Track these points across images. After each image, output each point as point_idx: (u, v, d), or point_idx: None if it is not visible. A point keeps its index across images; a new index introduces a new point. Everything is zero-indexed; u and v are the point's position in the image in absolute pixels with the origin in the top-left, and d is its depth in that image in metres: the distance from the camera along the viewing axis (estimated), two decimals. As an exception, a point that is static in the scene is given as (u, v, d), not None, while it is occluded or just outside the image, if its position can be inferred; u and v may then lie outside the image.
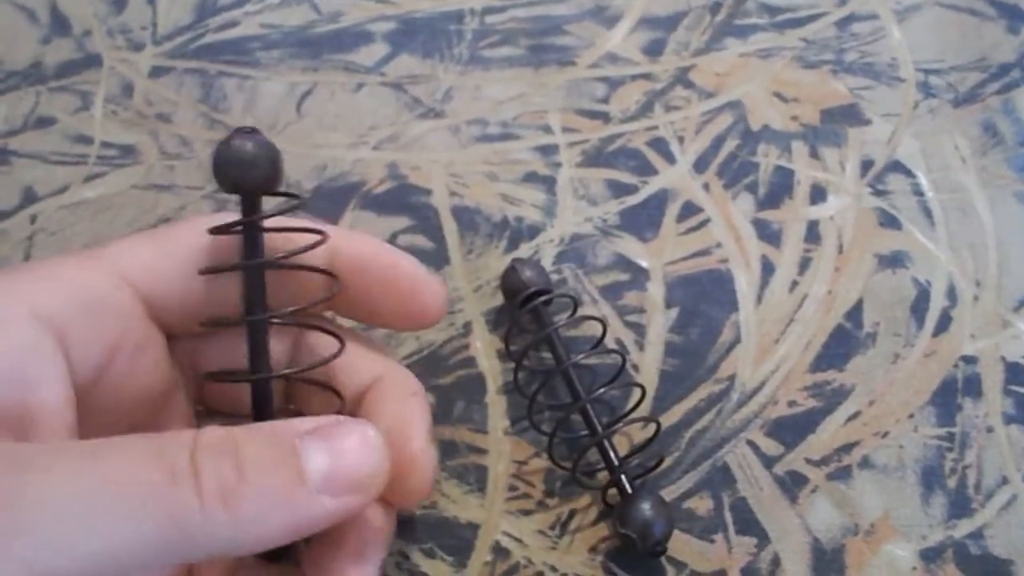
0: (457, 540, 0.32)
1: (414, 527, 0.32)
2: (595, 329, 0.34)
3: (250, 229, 0.26)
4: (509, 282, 0.34)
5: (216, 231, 0.26)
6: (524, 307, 0.34)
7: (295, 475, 0.22)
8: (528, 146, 0.39)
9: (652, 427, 0.32)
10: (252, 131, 0.25)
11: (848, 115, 0.39)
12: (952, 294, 0.35)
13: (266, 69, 0.41)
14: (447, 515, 0.32)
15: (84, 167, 0.39)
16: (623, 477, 0.31)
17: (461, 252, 0.37)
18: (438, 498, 0.32)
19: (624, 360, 0.33)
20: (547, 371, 0.34)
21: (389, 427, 0.27)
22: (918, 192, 0.38)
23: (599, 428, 0.32)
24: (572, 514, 0.32)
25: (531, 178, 0.38)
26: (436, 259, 0.37)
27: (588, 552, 0.31)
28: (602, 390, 0.32)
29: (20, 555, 0.20)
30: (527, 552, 0.32)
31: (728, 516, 0.32)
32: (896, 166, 0.38)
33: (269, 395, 0.27)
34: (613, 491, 0.31)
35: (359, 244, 0.29)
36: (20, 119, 0.41)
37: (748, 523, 0.32)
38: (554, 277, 0.36)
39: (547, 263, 0.37)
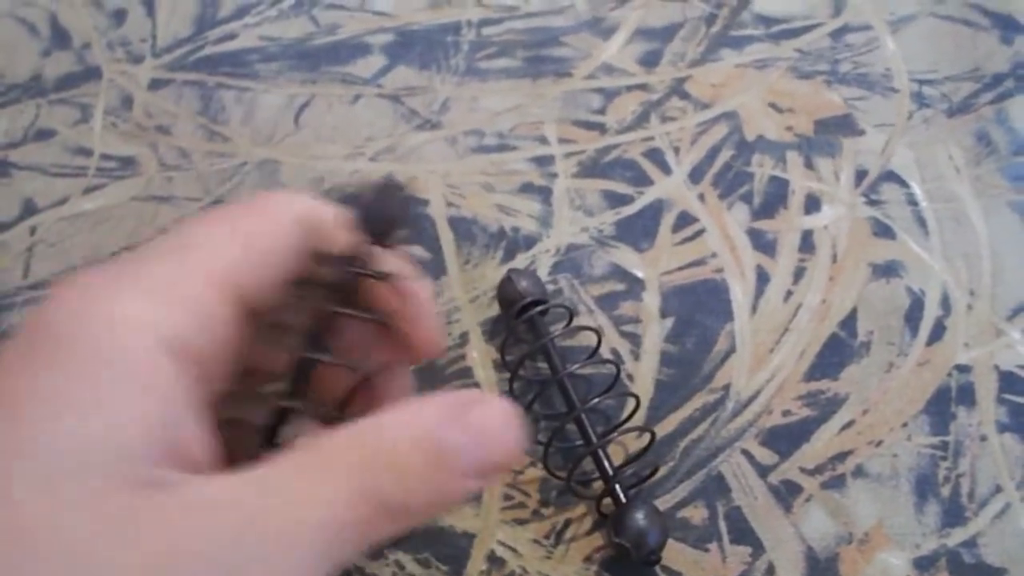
0: (453, 549, 0.32)
1: (410, 537, 0.32)
2: (591, 339, 0.34)
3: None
4: (505, 292, 0.35)
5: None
6: (520, 317, 0.34)
7: (450, 473, 0.23)
8: (524, 157, 0.39)
9: (647, 437, 0.33)
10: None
11: (842, 125, 0.40)
12: (946, 303, 0.36)
13: (264, 81, 0.42)
14: (443, 524, 0.32)
15: (84, 179, 0.40)
16: (617, 487, 0.31)
17: (458, 262, 0.37)
18: (434, 508, 0.33)
19: (619, 370, 0.34)
20: (542, 381, 0.34)
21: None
22: (912, 202, 0.38)
23: (594, 438, 0.32)
24: (567, 523, 0.32)
25: (527, 189, 0.39)
26: (433, 269, 0.37)
27: (583, 561, 0.32)
28: (596, 400, 0.32)
29: None
30: (522, 561, 0.32)
31: (723, 525, 0.32)
32: (890, 176, 0.38)
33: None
34: (608, 501, 0.31)
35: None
36: (20, 131, 0.41)
37: (743, 532, 0.32)
38: (550, 287, 0.36)
39: (543, 273, 0.37)
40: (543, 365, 0.34)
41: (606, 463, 0.32)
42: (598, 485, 0.32)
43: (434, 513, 0.23)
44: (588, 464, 0.32)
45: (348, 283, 0.25)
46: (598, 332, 0.34)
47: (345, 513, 0.21)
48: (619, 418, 0.33)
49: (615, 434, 0.32)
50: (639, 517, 0.30)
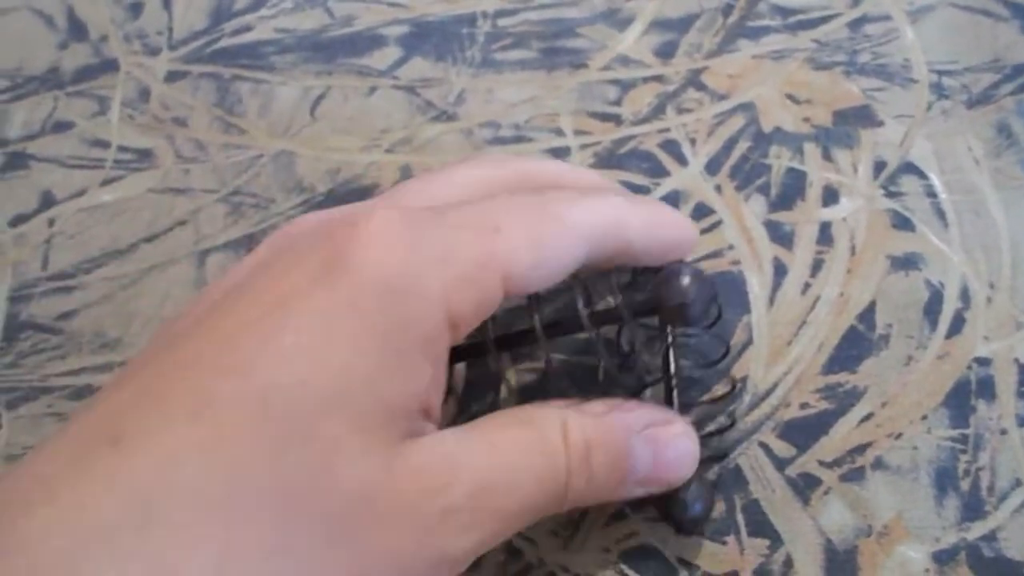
0: (470, 541, 0.32)
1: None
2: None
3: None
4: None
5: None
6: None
7: (622, 477, 0.27)
8: (540, 148, 0.39)
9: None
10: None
11: (861, 116, 0.39)
12: (965, 296, 0.35)
13: (280, 73, 0.42)
14: (460, 516, 0.32)
15: (101, 171, 0.40)
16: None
17: (474, 254, 0.37)
18: (451, 499, 0.33)
19: (720, 311, 0.33)
20: (655, 380, 0.33)
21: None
22: (931, 194, 0.37)
23: (673, 369, 0.32)
24: (584, 514, 0.32)
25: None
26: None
27: (600, 552, 0.32)
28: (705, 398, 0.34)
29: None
30: (539, 552, 0.32)
31: (740, 518, 0.32)
32: (909, 168, 0.38)
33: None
34: None
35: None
36: (38, 124, 0.41)
37: (760, 525, 0.32)
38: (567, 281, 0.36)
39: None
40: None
41: (676, 403, 0.31)
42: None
43: (583, 505, 0.27)
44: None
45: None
46: (727, 346, 0.34)
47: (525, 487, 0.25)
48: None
49: (699, 401, 0.34)
50: (697, 482, 0.30)
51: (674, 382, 0.32)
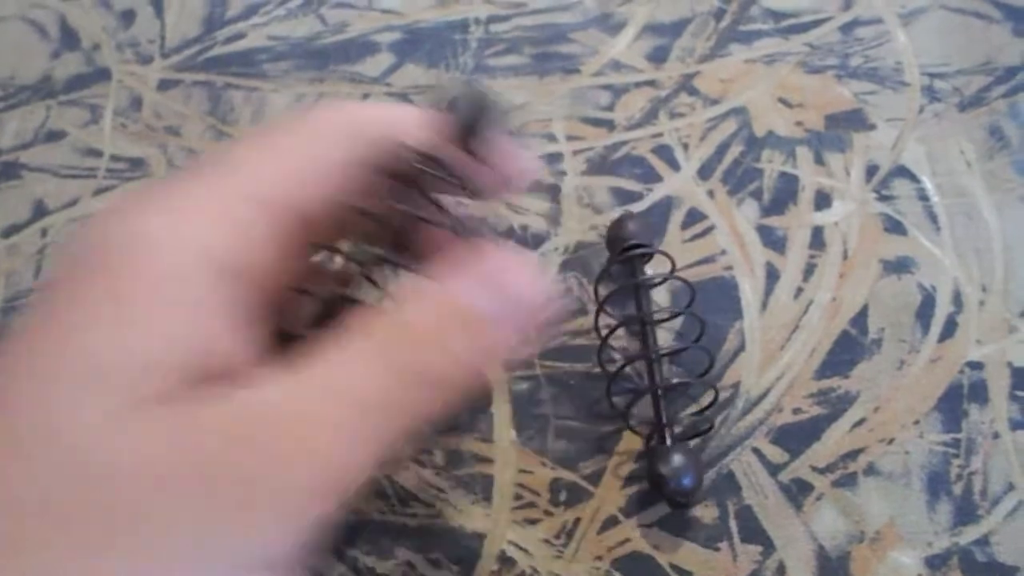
0: (463, 549, 0.32)
1: (421, 537, 0.32)
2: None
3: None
4: (614, 232, 0.35)
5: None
6: (620, 256, 0.34)
7: (481, 328, 0.22)
8: (533, 155, 0.39)
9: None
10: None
11: (853, 120, 0.39)
12: (958, 299, 0.35)
13: (273, 80, 0.42)
14: (453, 524, 0.32)
15: (94, 180, 0.40)
16: (668, 429, 0.32)
17: (466, 261, 0.37)
18: (444, 508, 0.33)
19: (703, 327, 0.34)
20: (626, 319, 0.35)
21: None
22: (923, 197, 0.37)
23: (659, 380, 0.33)
24: (577, 522, 0.32)
25: (536, 186, 0.39)
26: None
27: (593, 560, 0.32)
28: (672, 349, 0.34)
29: (301, 482, 0.20)
30: (532, 561, 0.32)
31: (733, 524, 0.32)
32: (901, 171, 0.38)
33: None
34: (656, 443, 0.32)
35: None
36: (31, 133, 0.41)
37: (753, 531, 0.32)
38: (559, 286, 0.36)
39: (552, 272, 0.37)
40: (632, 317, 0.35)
41: (663, 406, 0.32)
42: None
43: (472, 382, 0.22)
44: (647, 413, 0.33)
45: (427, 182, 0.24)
46: (692, 287, 0.34)
47: (377, 393, 0.21)
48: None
49: (681, 383, 0.34)
50: (684, 456, 0.31)
51: (660, 392, 0.32)
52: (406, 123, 0.25)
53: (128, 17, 0.44)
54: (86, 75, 0.42)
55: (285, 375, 0.21)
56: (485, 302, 0.23)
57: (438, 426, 0.27)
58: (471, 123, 0.24)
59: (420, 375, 0.22)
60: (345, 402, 0.21)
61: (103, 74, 0.42)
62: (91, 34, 0.44)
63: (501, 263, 0.23)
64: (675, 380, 0.34)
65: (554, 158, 0.39)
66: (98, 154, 0.40)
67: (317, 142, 0.25)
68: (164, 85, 0.42)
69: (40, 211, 0.39)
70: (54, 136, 0.41)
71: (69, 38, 0.44)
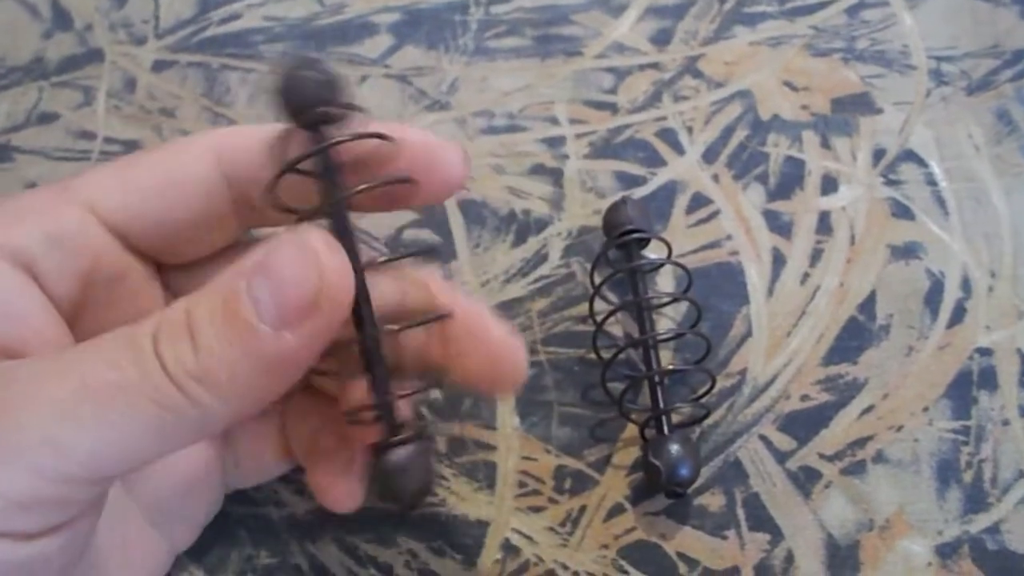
0: (466, 537, 0.32)
1: (423, 525, 0.32)
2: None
3: (326, 159, 0.24)
4: (611, 216, 0.35)
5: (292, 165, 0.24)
6: (617, 241, 0.34)
7: (246, 325, 0.21)
8: (535, 138, 0.39)
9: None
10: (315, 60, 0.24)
11: (859, 104, 0.39)
12: (966, 285, 0.35)
13: (269, 62, 0.41)
14: (456, 513, 0.32)
15: (87, 163, 0.39)
16: (664, 418, 0.31)
17: (468, 246, 0.37)
18: (447, 496, 0.32)
19: (700, 313, 0.33)
20: (623, 304, 0.34)
21: (463, 325, 0.26)
22: (931, 182, 0.37)
23: (655, 366, 0.32)
24: (582, 510, 0.32)
25: (538, 170, 0.38)
26: (443, 253, 0.36)
27: (599, 549, 0.31)
28: (670, 334, 0.34)
29: (26, 461, 0.20)
30: (537, 549, 0.31)
31: (741, 512, 0.32)
32: (909, 155, 0.38)
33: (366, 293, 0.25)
34: (652, 432, 0.32)
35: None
36: (23, 115, 0.40)
37: (761, 519, 0.31)
38: (562, 271, 0.36)
39: (555, 257, 0.36)
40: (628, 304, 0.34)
41: (660, 394, 0.32)
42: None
43: (254, 377, 0.22)
44: (643, 401, 0.33)
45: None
46: (689, 272, 0.34)
47: (107, 376, 0.21)
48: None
49: (678, 369, 0.33)
50: (680, 445, 0.30)
51: (657, 379, 0.32)
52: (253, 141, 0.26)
53: (121, -3, 0.43)
54: (79, 56, 0.42)
55: (50, 354, 0.23)
56: (246, 286, 0.21)
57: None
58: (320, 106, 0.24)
59: (166, 363, 0.21)
60: (69, 382, 0.21)
61: (96, 55, 0.42)
62: (84, 14, 0.43)
63: (273, 245, 0.22)
64: (670, 367, 0.33)
65: (557, 142, 0.39)
66: (92, 136, 0.40)
67: (176, 158, 0.26)
68: (158, 66, 0.41)
69: (32, 194, 0.38)
70: (47, 118, 0.40)
71: (61, 18, 0.43)
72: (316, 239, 0.22)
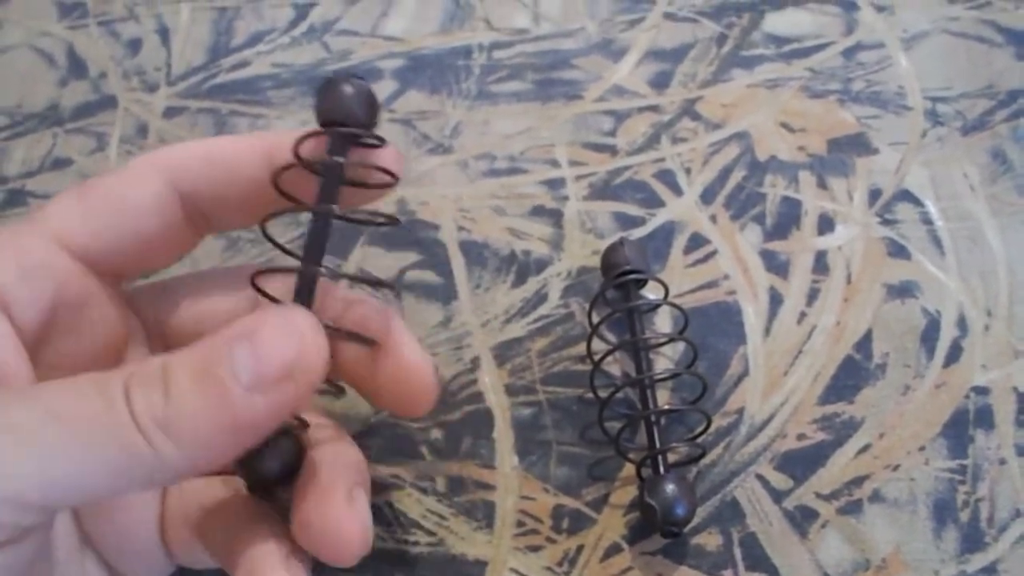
0: (465, 577, 0.32)
1: (422, 564, 0.32)
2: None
3: (331, 169, 0.27)
4: (609, 257, 0.35)
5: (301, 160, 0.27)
6: (615, 282, 0.34)
7: (221, 383, 0.22)
8: (535, 180, 0.39)
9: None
10: (356, 76, 0.27)
11: (855, 144, 0.39)
12: (963, 324, 0.35)
13: (277, 108, 0.42)
14: (455, 552, 0.32)
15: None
16: (660, 457, 0.32)
17: (469, 287, 0.37)
18: (445, 535, 0.33)
19: (696, 353, 0.34)
20: (620, 344, 0.34)
21: (378, 344, 0.28)
22: (927, 221, 0.37)
23: (652, 406, 0.32)
24: (580, 550, 0.32)
25: (538, 212, 0.39)
26: (444, 294, 0.37)
27: (596, 589, 0.31)
28: (667, 374, 0.34)
29: None
30: (535, 589, 0.32)
31: (737, 552, 0.32)
32: (904, 195, 0.38)
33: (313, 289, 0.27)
34: (648, 471, 0.32)
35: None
36: (37, 161, 0.41)
37: (758, 559, 0.32)
38: (561, 311, 0.36)
39: (554, 297, 0.37)
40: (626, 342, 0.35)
41: (656, 433, 0.32)
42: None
43: (216, 433, 0.22)
44: (640, 440, 0.33)
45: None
46: (685, 313, 0.34)
47: (77, 411, 0.22)
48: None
49: (674, 410, 0.33)
50: (675, 485, 0.31)
51: (653, 419, 0.32)
52: (227, 150, 0.28)
53: (135, 46, 0.44)
54: (93, 103, 0.43)
55: (23, 389, 0.24)
56: (224, 347, 0.23)
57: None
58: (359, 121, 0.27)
59: (135, 407, 0.22)
60: (33, 409, 0.22)
61: (110, 102, 0.43)
62: (99, 62, 0.44)
63: (262, 318, 0.23)
64: (666, 407, 0.33)
65: (557, 183, 0.39)
66: (103, 181, 0.41)
67: (128, 180, 0.28)
68: (170, 112, 0.42)
69: (45, 238, 0.39)
70: (60, 164, 0.41)
71: (77, 66, 0.44)
72: (303, 320, 0.24)
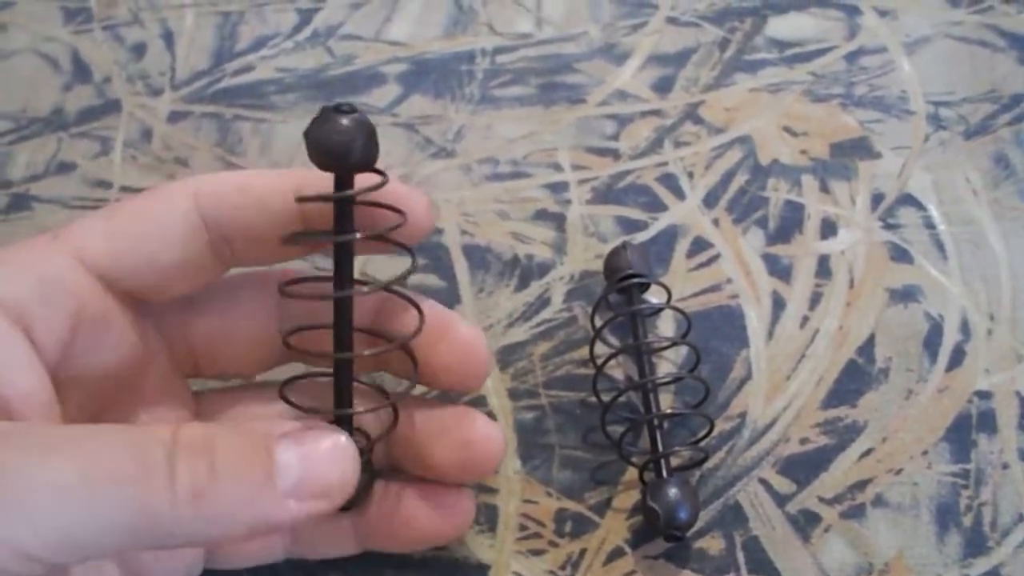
0: (468, 581, 0.32)
1: (425, 568, 0.32)
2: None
3: (342, 203, 0.27)
4: (611, 261, 0.35)
5: (304, 199, 0.27)
6: (618, 286, 0.34)
7: (266, 478, 0.23)
8: (538, 184, 0.40)
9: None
10: (349, 108, 0.26)
11: (858, 148, 0.39)
12: (965, 328, 0.35)
13: (281, 112, 0.42)
14: (457, 556, 0.32)
15: (103, 211, 0.40)
16: (663, 461, 0.32)
17: (472, 291, 0.37)
18: (448, 539, 0.33)
19: (699, 357, 0.34)
20: (623, 348, 0.34)
21: (429, 324, 0.29)
22: (930, 225, 0.37)
23: (654, 410, 0.32)
24: (582, 554, 0.32)
25: (541, 216, 0.39)
26: (447, 298, 0.37)
27: (599, 592, 0.31)
28: (669, 377, 0.34)
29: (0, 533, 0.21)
30: (538, 593, 0.32)
31: (740, 556, 0.32)
32: (907, 199, 0.38)
33: (349, 317, 0.28)
34: (651, 475, 0.32)
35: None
36: (41, 165, 0.42)
37: (761, 563, 0.32)
38: (564, 315, 0.36)
39: (557, 301, 0.37)
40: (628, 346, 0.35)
41: (659, 437, 0.32)
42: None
43: (239, 521, 0.23)
44: (643, 444, 0.33)
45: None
46: (687, 317, 0.34)
47: (107, 466, 0.22)
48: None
49: (677, 413, 0.34)
50: (679, 489, 0.31)
51: (656, 422, 0.32)
52: (260, 182, 0.28)
53: (139, 50, 0.45)
54: (97, 107, 0.43)
55: (46, 423, 0.24)
56: (283, 454, 0.24)
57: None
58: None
59: (177, 475, 0.22)
60: (70, 466, 0.22)
61: (114, 106, 0.43)
62: (103, 67, 0.44)
63: (316, 435, 0.24)
64: (669, 410, 0.34)
65: (560, 187, 0.39)
66: (108, 185, 0.41)
67: (156, 201, 0.28)
68: (174, 117, 0.42)
69: (50, 242, 0.39)
70: (64, 168, 0.41)
71: (81, 71, 0.44)
72: (350, 449, 0.25)
